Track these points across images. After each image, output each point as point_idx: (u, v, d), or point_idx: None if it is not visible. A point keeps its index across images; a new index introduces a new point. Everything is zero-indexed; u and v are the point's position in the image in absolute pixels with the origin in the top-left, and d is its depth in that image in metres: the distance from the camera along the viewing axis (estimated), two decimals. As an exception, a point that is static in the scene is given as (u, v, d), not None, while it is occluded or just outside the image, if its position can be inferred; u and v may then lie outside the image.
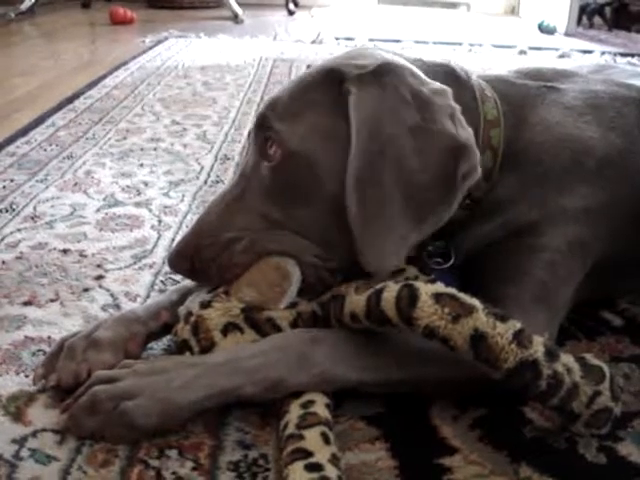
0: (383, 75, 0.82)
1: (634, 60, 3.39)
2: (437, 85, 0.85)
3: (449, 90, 0.85)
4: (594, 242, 0.89)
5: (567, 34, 4.39)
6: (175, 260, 0.85)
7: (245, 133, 1.83)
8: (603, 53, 3.55)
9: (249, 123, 1.96)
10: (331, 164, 0.81)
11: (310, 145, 0.81)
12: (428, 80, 0.85)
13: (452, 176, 0.80)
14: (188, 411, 0.72)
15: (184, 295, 0.88)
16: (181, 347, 0.81)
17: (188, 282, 0.91)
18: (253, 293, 0.81)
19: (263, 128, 0.84)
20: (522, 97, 0.96)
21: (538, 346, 0.70)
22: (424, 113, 0.81)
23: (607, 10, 4.91)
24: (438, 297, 0.72)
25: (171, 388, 0.72)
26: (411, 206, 0.79)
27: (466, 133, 0.82)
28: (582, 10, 4.77)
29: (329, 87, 0.83)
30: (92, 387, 0.72)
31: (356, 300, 0.77)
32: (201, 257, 0.83)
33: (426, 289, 0.72)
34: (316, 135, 0.82)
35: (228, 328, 0.79)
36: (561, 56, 3.44)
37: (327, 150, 0.81)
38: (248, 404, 0.77)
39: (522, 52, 3.49)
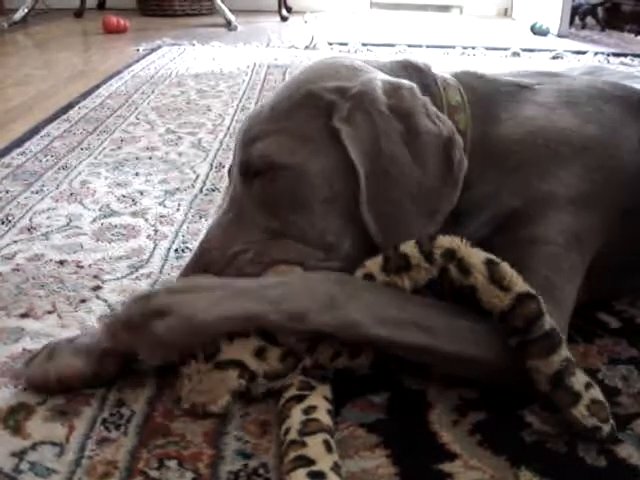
0: (363, 102, 0.88)
1: (627, 60, 3.40)
2: (404, 85, 0.91)
3: (414, 85, 0.92)
4: (588, 236, 0.89)
5: (560, 35, 4.40)
6: None
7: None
8: (596, 54, 3.55)
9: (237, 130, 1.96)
10: (321, 171, 0.87)
11: (299, 158, 0.87)
12: (392, 80, 0.92)
13: (449, 166, 0.87)
14: (211, 330, 0.75)
15: None
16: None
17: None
18: None
19: (247, 151, 0.89)
20: (490, 91, 0.99)
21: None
22: (406, 122, 0.88)
23: (599, 10, 4.92)
24: (454, 237, 0.79)
25: (197, 307, 0.74)
26: (422, 206, 0.86)
27: (446, 125, 0.90)
28: (574, 11, 4.78)
29: (309, 108, 0.89)
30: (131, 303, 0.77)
31: (370, 262, 0.81)
32: (211, 272, 0.85)
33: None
34: (302, 147, 0.87)
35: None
36: (554, 57, 3.44)
37: (315, 159, 0.87)
38: (247, 413, 0.77)
39: (515, 54, 3.50)
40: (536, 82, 1.01)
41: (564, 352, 0.74)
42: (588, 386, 0.74)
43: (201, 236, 1.23)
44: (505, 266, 0.77)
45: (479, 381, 0.81)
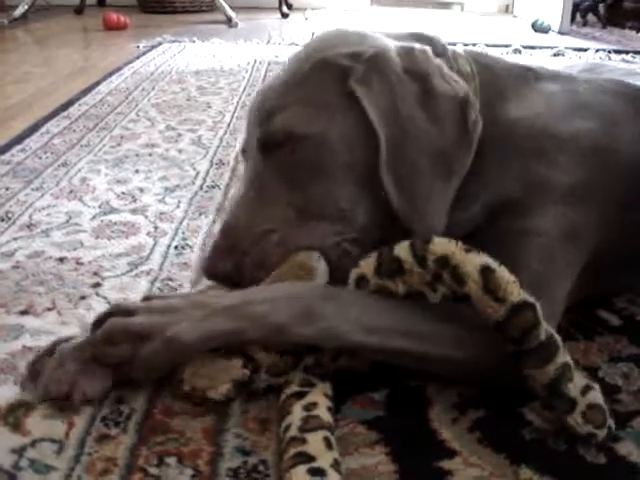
0: (378, 64, 0.88)
1: (628, 57, 3.40)
2: (417, 48, 0.92)
3: (427, 48, 0.93)
4: (586, 230, 0.88)
5: (561, 32, 4.39)
6: (213, 263, 0.86)
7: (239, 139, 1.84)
8: (597, 51, 3.55)
9: (243, 128, 1.95)
10: (340, 137, 0.87)
11: (317, 125, 0.87)
12: (407, 45, 0.92)
13: (464, 127, 0.88)
14: (195, 349, 0.75)
15: None
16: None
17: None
18: None
19: (265, 125, 0.89)
20: (498, 69, 0.99)
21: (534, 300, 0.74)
22: (421, 84, 0.89)
23: (601, 7, 4.92)
24: (449, 239, 0.77)
25: (180, 328, 0.74)
26: (439, 167, 0.86)
27: (461, 85, 0.91)
28: (576, 8, 4.77)
29: (324, 74, 0.89)
30: (111, 316, 0.76)
31: (364, 263, 0.80)
32: (237, 251, 0.85)
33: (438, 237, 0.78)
34: (321, 115, 0.87)
35: None
36: (555, 54, 3.44)
37: (334, 126, 0.87)
38: (247, 410, 0.77)
39: (516, 51, 3.49)
40: (546, 70, 1.02)
41: (561, 359, 0.72)
42: (586, 389, 0.73)
43: (201, 233, 1.23)
44: (502, 272, 0.73)
45: (474, 383, 0.81)
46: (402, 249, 0.78)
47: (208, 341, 0.75)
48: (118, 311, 0.78)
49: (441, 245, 0.76)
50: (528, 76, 0.99)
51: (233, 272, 0.85)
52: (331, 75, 0.89)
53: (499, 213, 0.88)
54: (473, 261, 0.74)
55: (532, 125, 0.92)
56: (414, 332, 0.77)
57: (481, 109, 0.92)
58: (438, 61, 0.92)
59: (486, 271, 0.73)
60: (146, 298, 0.82)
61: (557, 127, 0.92)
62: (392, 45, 0.92)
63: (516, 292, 0.73)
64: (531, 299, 0.73)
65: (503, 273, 0.73)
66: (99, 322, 0.77)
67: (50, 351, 0.80)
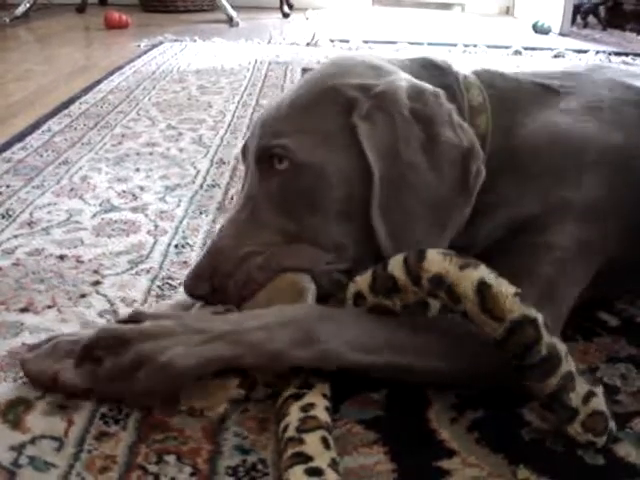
0: (385, 102, 0.86)
1: (628, 59, 3.40)
2: (429, 90, 0.89)
3: (441, 92, 0.90)
4: (603, 242, 0.88)
5: (561, 34, 4.39)
6: (193, 283, 0.86)
7: (237, 148, 1.84)
8: (598, 52, 3.55)
9: (244, 127, 1.96)
10: (338, 171, 0.86)
11: (318, 155, 0.86)
12: (418, 84, 0.90)
13: (465, 179, 0.86)
14: (188, 376, 0.74)
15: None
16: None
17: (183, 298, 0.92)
18: None
19: (268, 143, 0.88)
20: (513, 91, 0.97)
21: (537, 312, 0.71)
22: (427, 129, 0.86)
23: (601, 9, 4.92)
24: (445, 253, 0.75)
25: (175, 354, 0.72)
26: (434, 217, 0.84)
27: (468, 135, 0.87)
28: (576, 9, 4.77)
29: (330, 104, 0.88)
30: (106, 350, 0.74)
31: (360, 279, 0.80)
32: (219, 274, 0.85)
33: (432, 250, 0.76)
34: (322, 145, 0.86)
35: None
36: (556, 56, 3.44)
37: (333, 158, 0.86)
38: (247, 409, 0.77)
39: (517, 52, 3.49)
40: (559, 84, 0.99)
41: (564, 368, 0.71)
42: (589, 396, 0.72)
43: (202, 232, 1.24)
44: (498, 287, 0.71)
45: (473, 389, 0.81)
46: (396, 266, 0.77)
47: (204, 367, 0.73)
48: (108, 337, 0.75)
49: (435, 262, 0.74)
50: (544, 94, 0.97)
51: (212, 294, 0.85)
52: (336, 105, 0.88)
53: (517, 230, 0.88)
54: (469, 278, 0.72)
55: (552, 144, 0.91)
56: (413, 349, 0.77)
57: (500, 134, 0.91)
58: (450, 107, 0.89)
59: (482, 288, 0.71)
60: (135, 314, 0.79)
61: (575, 146, 0.91)
62: (404, 82, 0.89)
63: (515, 308, 0.71)
64: (532, 313, 0.71)
65: (500, 287, 0.71)
66: (88, 349, 0.75)
67: (48, 341, 0.81)
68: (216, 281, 0.85)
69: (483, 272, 0.73)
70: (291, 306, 0.81)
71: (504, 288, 0.72)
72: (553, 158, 0.90)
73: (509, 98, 0.96)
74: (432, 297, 0.76)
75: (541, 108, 0.95)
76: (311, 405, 0.73)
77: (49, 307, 0.98)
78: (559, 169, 0.90)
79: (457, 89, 0.94)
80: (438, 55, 1.01)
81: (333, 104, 0.88)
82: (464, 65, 1.03)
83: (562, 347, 0.72)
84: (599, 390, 0.73)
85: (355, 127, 0.86)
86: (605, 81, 1.02)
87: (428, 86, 0.90)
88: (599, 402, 0.72)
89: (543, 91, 0.98)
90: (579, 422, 0.72)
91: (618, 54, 3.54)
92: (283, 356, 0.74)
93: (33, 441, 0.72)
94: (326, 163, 0.86)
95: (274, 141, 0.87)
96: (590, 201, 0.88)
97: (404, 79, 0.90)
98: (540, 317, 0.71)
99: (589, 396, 0.72)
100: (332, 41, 3.66)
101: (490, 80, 0.98)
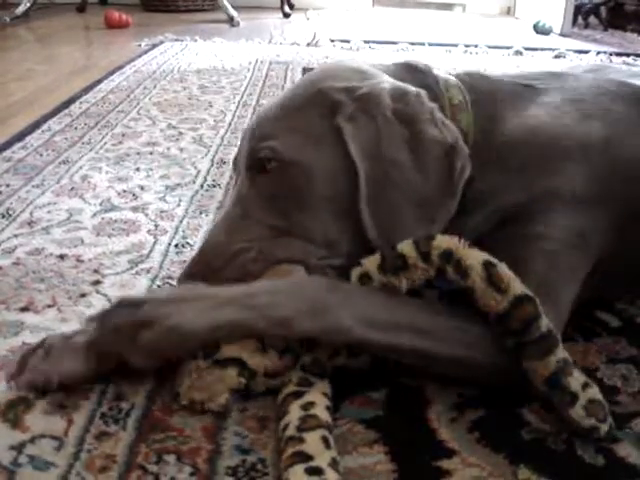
0: (368, 104, 0.89)
1: (629, 60, 3.40)
2: (411, 91, 0.92)
3: (422, 92, 0.93)
4: (594, 235, 0.88)
5: (562, 34, 4.39)
6: (188, 280, 0.87)
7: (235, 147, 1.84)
8: (599, 53, 3.55)
9: (245, 127, 1.95)
10: (325, 169, 0.88)
11: (305, 154, 0.88)
12: (400, 85, 0.92)
13: (450, 175, 0.88)
14: (197, 339, 0.75)
15: None
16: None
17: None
18: None
19: (257, 146, 0.90)
20: (493, 90, 0.99)
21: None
22: (410, 128, 0.88)
23: (602, 10, 4.92)
24: (452, 237, 0.79)
25: (183, 317, 0.74)
26: (421, 211, 0.86)
27: (451, 132, 0.90)
28: (577, 10, 4.77)
29: (317, 106, 0.91)
30: (117, 309, 0.77)
31: (367, 261, 0.81)
32: (212, 271, 0.86)
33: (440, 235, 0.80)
34: (309, 145, 0.89)
35: None
36: (557, 56, 3.44)
37: (320, 157, 0.88)
38: (246, 408, 0.77)
39: (518, 53, 3.49)
40: (540, 82, 1.01)
41: (560, 353, 0.74)
42: (586, 386, 0.73)
43: (202, 232, 1.24)
44: (503, 268, 0.76)
45: (475, 383, 0.81)
46: (406, 246, 0.79)
47: (212, 331, 0.75)
48: (124, 303, 0.78)
49: (445, 240, 0.78)
50: (525, 91, 0.99)
51: None
52: (322, 107, 0.90)
53: (507, 220, 0.88)
54: (476, 255, 0.77)
55: (534, 136, 0.92)
56: (419, 329, 0.77)
57: (481, 129, 0.93)
58: (432, 105, 0.92)
59: (489, 265, 0.76)
60: (152, 292, 0.82)
61: (561, 136, 0.91)
62: (387, 84, 0.92)
63: (517, 285, 0.75)
64: (531, 294, 0.75)
65: (504, 269, 0.76)
66: (104, 316, 0.78)
67: (39, 346, 0.80)
68: (210, 277, 0.85)
69: (488, 255, 0.77)
70: (301, 277, 0.83)
71: (507, 270, 0.76)
72: (534, 148, 0.91)
73: (489, 95, 0.98)
74: (440, 274, 0.78)
75: (522, 102, 0.97)
76: (311, 404, 0.73)
77: (49, 306, 0.98)
78: (541, 158, 0.91)
79: (437, 89, 0.97)
80: (420, 59, 1.04)
81: (319, 107, 0.91)
82: (444, 67, 1.06)
83: (558, 336, 0.74)
84: (594, 385, 0.74)
85: (340, 128, 0.88)
86: (590, 78, 1.03)
87: (410, 87, 0.93)
88: (596, 392, 0.74)
89: (523, 88, 1.00)
90: (581, 406, 0.72)
91: (619, 55, 3.54)
92: (291, 323, 0.75)
93: (33, 440, 0.72)
94: (313, 162, 0.88)
95: (263, 143, 0.90)
96: (575, 189, 0.88)
97: (387, 81, 0.93)
98: (537, 299, 0.75)
99: (586, 385, 0.73)
100: (333, 41, 3.66)
101: (470, 80, 1.00)
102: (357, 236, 0.87)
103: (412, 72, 0.99)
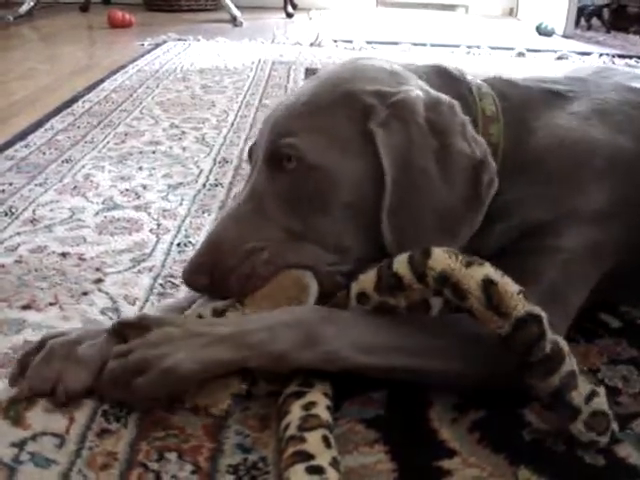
0: (402, 110, 0.87)
1: (632, 62, 3.40)
2: (444, 101, 0.90)
3: (456, 103, 0.91)
4: (610, 246, 0.89)
5: (565, 36, 4.40)
6: (193, 274, 0.85)
7: (242, 142, 1.84)
8: (601, 55, 3.55)
9: (247, 126, 1.96)
10: (350, 175, 0.86)
11: (330, 158, 0.86)
12: (434, 95, 0.90)
13: (476, 190, 0.87)
14: (193, 380, 0.74)
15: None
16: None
17: (178, 301, 0.93)
18: (270, 306, 0.81)
19: (277, 142, 0.87)
20: (523, 98, 0.98)
21: (540, 310, 0.72)
22: (441, 139, 0.87)
23: (605, 12, 4.92)
24: (449, 252, 0.75)
25: (177, 359, 0.72)
26: (445, 225, 0.85)
27: (480, 147, 0.88)
28: (580, 12, 4.78)
29: (346, 108, 0.88)
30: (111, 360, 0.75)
31: (364, 278, 0.80)
32: (221, 267, 0.84)
33: (437, 248, 0.76)
34: (335, 149, 0.86)
35: None
36: (559, 58, 3.44)
37: (346, 162, 0.86)
38: (248, 407, 0.77)
39: (520, 54, 3.49)
40: (567, 89, 1.00)
41: (566, 367, 0.71)
42: (591, 396, 0.72)
43: (204, 231, 1.24)
44: (505, 285, 0.72)
45: (475, 390, 0.81)
46: (401, 264, 0.76)
47: (207, 371, 0.74)
48: (116, 354, 0.75)
49: (440, 260, 0.74)
50: (554, 99, 0.98)
51: (213, 287, 0.85)
52: (353, 110, 0.87)
53: (528, 234, 0.88)
54: (474, 275, 0.73)
55: (564, 150, 0.91)
56: (415, 349, 0.77)
57: (511, 140, 0.92)
58: (464, 118, 0.90)
59: (488, 285, 0.72)
60: (141, 318, 0.80)
61: (591, 152, 0.91)
62: (421, 92, 0.90)
63: (520, 305, 0.71)
64: (536, 310, 0.71)
65: (506, 286, 0.72)
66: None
67: (40, 347, 0.80)
68: (217, 274, 0.84)
69: (488, 270, 0.73)
70: (293, 307, 0.81)
71: (509, 286, 0.72)
72: (564, 163, 0.90)
73: (520, 105, 0.97)
74: (437, 294, 0.76)
75: (552, 111, 0.96)
76: (312, 404, 0.73)
77: (51, 304, 0.98)
78: (569, 175, 0.90)
79: (470, 98, 0.95)
80: (451, 63, 1.02)
81: (349, 109, 0.88)
82: (474, 72, 1.04)
83: (565, 346, 0.72)
84: (601, 390, 0.73)
85: (372, 133, 0.86)
86: (610, 84, 1.03)
87: (444, 97, 0.91)
88: (601, 402, 0.72)
89: (551, 96, 0.99)
90: (581, 421, 0.71)
91: (622, 56, 3.55)
92: (287, 357, 0.74)
93: (34, 438, 0.72)
94: (338, 167, 0.86)
95: (285, 140, 0.87)
96: (599, 205, 0.88)
97: (421, 88, 0.91)
98: (544, 315, 0.71)
99: (591, 395, 0.72)
100: (335, 41, 3.66)
101: (501, 88, 0.99)
102: (370, 243, 0.86)
103: (445, 77, 0.97)
